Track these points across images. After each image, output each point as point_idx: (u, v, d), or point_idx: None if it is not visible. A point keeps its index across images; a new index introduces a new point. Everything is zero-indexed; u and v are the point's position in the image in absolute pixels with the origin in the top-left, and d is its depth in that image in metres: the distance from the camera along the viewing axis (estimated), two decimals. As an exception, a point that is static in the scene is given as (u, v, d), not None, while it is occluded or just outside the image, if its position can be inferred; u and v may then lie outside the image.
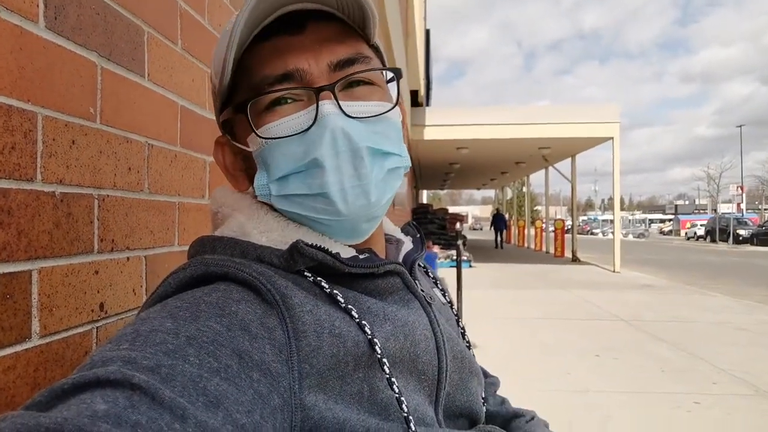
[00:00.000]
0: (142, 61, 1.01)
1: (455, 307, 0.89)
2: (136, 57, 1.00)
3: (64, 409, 0.38)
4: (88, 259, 0.86)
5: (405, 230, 0.85)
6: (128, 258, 0.97)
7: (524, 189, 30.85)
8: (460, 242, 6.33)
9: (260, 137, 0.64)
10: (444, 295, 0.86)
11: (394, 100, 0.70)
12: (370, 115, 0.65)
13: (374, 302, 0.64)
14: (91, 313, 0.86)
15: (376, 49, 0.72)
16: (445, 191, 58.36)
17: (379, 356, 0.58)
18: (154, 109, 1.05)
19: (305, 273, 0.62)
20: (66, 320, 0.80)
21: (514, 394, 1.13)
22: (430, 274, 0.90)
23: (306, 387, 0.53)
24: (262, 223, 0.67)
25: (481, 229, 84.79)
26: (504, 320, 6.83)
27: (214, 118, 0.74)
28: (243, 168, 0.72)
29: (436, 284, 0.89)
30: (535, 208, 56.23)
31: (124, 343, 0.47)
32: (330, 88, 0.62)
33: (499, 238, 25.20)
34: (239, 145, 0.68)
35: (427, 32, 19.13)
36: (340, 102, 0.62)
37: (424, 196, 38.20)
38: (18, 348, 0.71)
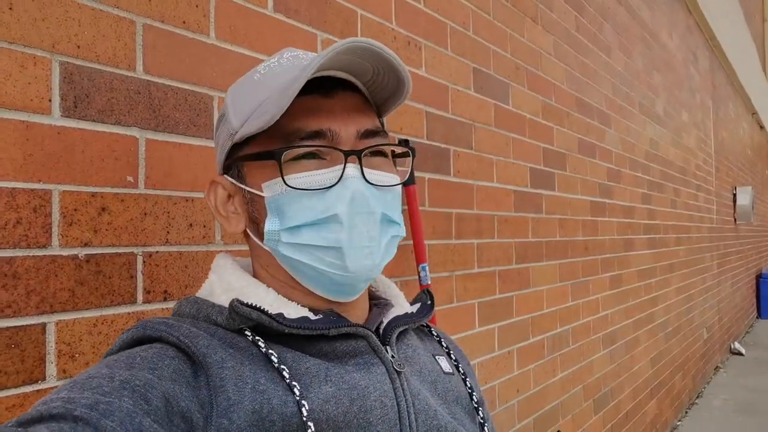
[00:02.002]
0: (204, 126, 1.10)
1: (470, 380, 0.82)
2: (198, 122, 1.09)
3: None
4: (128, 309, 0.97)
5: (418, 297, 0.85)
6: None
7: None
8: None
9: (288, 185, 0.66)
10: (457, 367, 0.82)
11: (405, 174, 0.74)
12: (385, 184, 0.69)
13: (318, 363, 0.64)
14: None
15: (382, 125, 0.75)
16: None
17: (304, 419, 0.58)
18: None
19: (246, 332, 0.65)
20: (93, 364, 0.92)
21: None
22: (443, 342, 0.86)
23: None
24: (226, 283, 0.71)
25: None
26: None
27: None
28: (237, 211, 0.74)
29: (449, 353, 0.84)
30: None
31: (62, 390, 0.53)
32: (358, 153, 0.67)
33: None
34: (249, 189, 0.70)
35: None
36: (363, 168, 0.67)
37: None
38: (27, 389, 0.86)
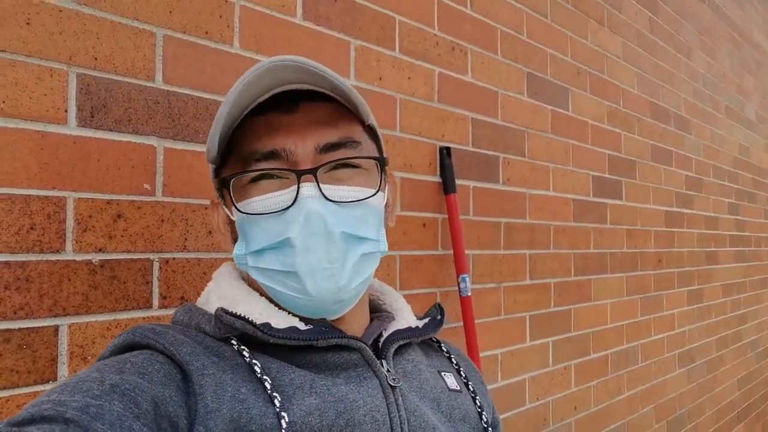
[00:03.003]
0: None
1: (480, 398, 0.79)
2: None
3: None
4: (143, 314, 0.99)
5: (429, 311, 0.83)
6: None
7: None
8: None
9: (240, 212, 0.68)
10: (467, 384, 0.79)
11: (377, 185, 0.70)
12: (349, 200, 0.66)
13: (303, 374, 0.63)
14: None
15: (371, 130, 0.73)
16: None
17: (284, 430, 0.57)
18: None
19: (232, 341, 0.65)
20: (104, 368, 0.95)
21: None
22: (453, 359, 0.83)
23: None
24: (221, 291, 0.72)
25: None
26: None
27: None
28: (230, 231, 0.75)
29: (459, 370, 0.81)
30: None
31: (53, 393, 0.55)
32: (312, 172, 0.64)
33: None
34: (226, 211, 0.72)
35: None
36: (322, 185, 0.65)
37: None
38: (38, 389, 0.89)
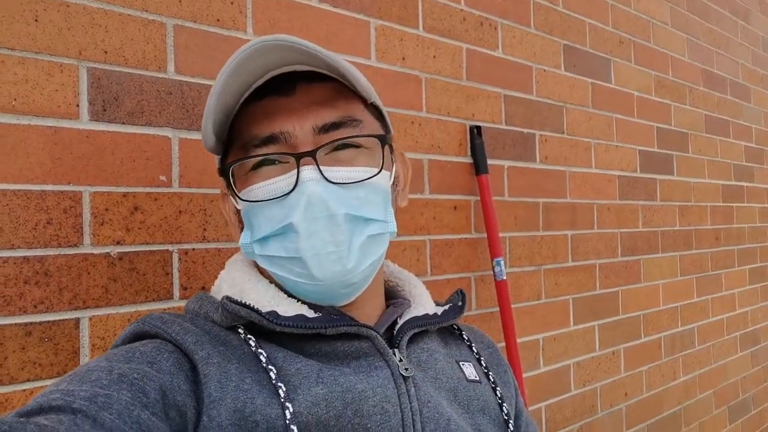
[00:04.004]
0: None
1: (500, 389, 0.76)
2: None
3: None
4: (164, 305, 1.00)
5: (450, 298, 0.81)
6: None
7: None
8: None
9: (241, 200, 0.67)
10: (487, 374, 0.77)
11: (380, 164, 0.67)
12: (351, 181, 0.65)
13: (311, 364, 0.62)
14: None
15: (375, 108, 0.72)
16: None
17: (287, 421, 0.56)
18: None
19: (239, 330, 0.65)
20: (126, 359, 0.96)
21: None
22: (474, 347, 0.80)
23: None
24: (231, 279, 0.72)
25: None
26: None
27: None
28: (238, 220, 0.73)
29: (479, 359, 0.79)
30: None
31: (62, 383, 0.56)
32: (311, 154, 0.63)
33: None
34: (233, 200, 0.71)
35: None
36: (322, 167, 0.63)
37: None
38: (62, 380, 0.90)
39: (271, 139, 0.64)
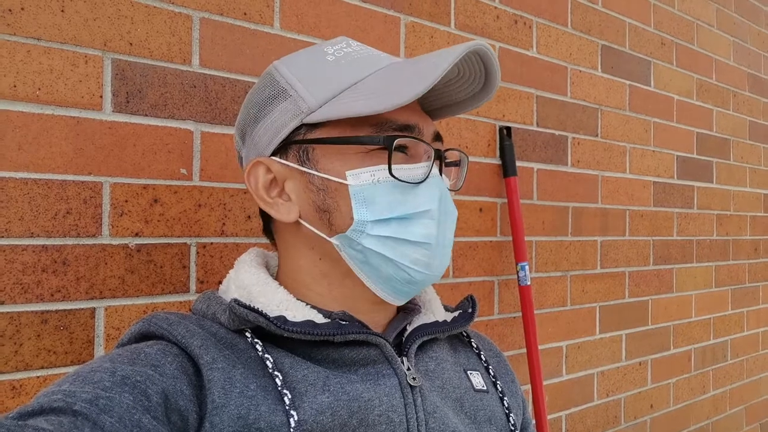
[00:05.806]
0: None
1: (508, 399, 0.75)
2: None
3: None
4: (180, 298, 1.00)
5: (460, 304, 0.80)
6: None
7: None
8: None
9: (393, 176, 0.63)
10: (495, 384, 0.75)
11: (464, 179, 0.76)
12: (451, 188, 0.72)
13: (318, 371, 0.61)
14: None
15: None
16: None
17: (292, 429, 0.55)
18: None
19: (246, 333, 0.64)
20: (140, 351, 0.96)
21: None
22: (482, 356, 0.78)
23: None
24: (239, 279, 0.70)
25: None
26: None
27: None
28: (288, 198, 0.69)
29: (488, 368, 0.77)
30: None
31: (65, 383, 0.56)
32: (442, 153, 0.68)
33: None
34: (324, 176, 0.65)
35: None
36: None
37: None
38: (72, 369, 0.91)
39: (408, 128, 0.65)
